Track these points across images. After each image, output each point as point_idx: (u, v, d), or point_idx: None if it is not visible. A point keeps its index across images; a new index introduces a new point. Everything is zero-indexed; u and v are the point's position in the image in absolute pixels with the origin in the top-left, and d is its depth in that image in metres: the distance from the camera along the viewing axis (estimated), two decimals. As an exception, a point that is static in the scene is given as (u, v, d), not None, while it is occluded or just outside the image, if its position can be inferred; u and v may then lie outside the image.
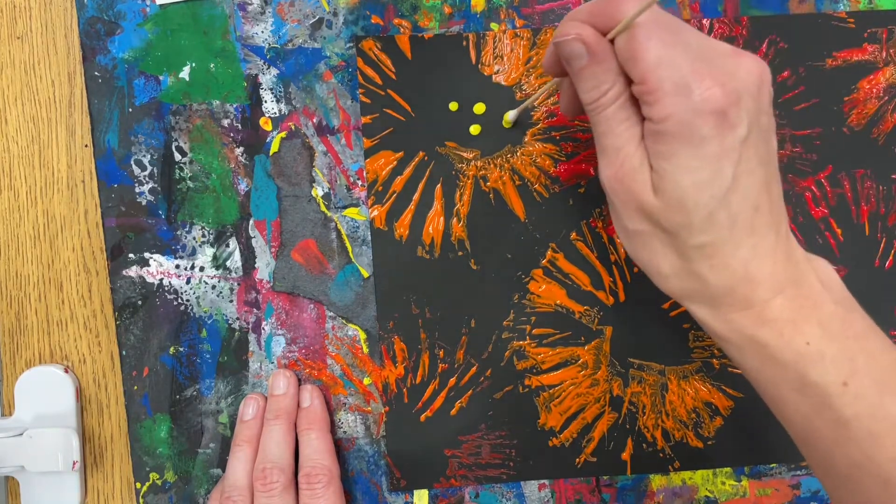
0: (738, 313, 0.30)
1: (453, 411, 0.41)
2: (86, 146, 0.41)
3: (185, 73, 0.40)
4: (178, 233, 0.41)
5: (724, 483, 0.42)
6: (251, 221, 0.41)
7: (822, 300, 0.30)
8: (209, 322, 0.41)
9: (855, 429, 0.28)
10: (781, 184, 0.31)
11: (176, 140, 0.40)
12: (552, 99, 0.41)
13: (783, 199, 0.31)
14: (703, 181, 0.28)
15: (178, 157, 0.40)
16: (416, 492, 0.41)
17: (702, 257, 0.30)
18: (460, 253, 0.41)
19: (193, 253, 0.41)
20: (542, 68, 0.33)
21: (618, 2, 0.29)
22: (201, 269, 0.41)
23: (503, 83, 0.41)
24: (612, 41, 0.29)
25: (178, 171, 0.40)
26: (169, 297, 0.41)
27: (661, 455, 0.42)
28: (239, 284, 0.41)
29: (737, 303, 0.30)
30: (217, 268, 0.41)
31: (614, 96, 0.30)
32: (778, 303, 0.29)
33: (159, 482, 0.41)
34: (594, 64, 0.30)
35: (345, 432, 0.41)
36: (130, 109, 0.40)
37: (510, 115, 0.40)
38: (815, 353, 0.29)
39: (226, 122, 0.40)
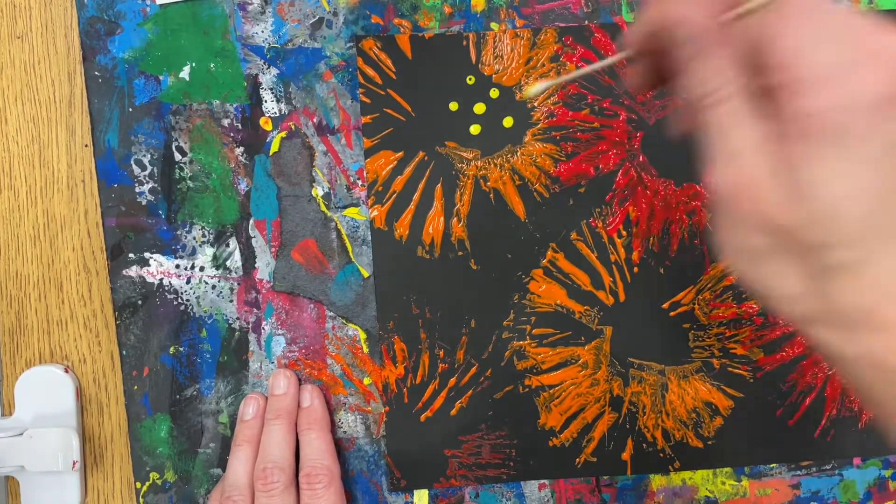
0: (874, 335, 0.26)
1: (453, 411, 0.41)
2: (86, 146, 0.41)
3: (185, 73, 0.40)
4: (178, 233, 0.41)
5: (724, 483, 0.42)
6: (251, 221, 0.41)
7: None
8: (209, 322, 0.41)
9: None
10: None
11: (176, 140, 0.40)
12: (552, 99, 0.41)
13: None
14: (859, 189, 0.24)
15: (178, 156, 0.40)
16: (416, 492, 0.41)
17: (842, 276, 0.25)
18: (460, 253, 0.41)
19: (193, 253, 0.41)
20: (624, 40, 0.28)
21: None
22: (201, 268, 0.41)
23: (499, 82, 0.41)
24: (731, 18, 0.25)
25: (178, 170, 0.40)
26: (169, 296, 0.41)
27: (662, 455, 0.42)
28: (239, 284, 0.41)
29: (874, 324, 0.26)
30: (217, 268, 0.41)
31: (735, 89, 0.25)
32: None
33: (159, 482, 0.41)
34: (713, 49, 0.25)
35: (345, 432, 0.41)
36: (130, 109, 0.40)
37: (534, 89, 0.33)
38: None
39: (226, 122, 0.40)
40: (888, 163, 0.24)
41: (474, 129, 0.41)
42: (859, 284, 0.25)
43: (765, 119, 0.25)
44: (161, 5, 0.40)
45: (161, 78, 0.40)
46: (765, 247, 0.26)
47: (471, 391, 0.41)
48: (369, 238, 0.41)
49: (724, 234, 0.27)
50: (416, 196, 0.41)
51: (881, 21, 0.24)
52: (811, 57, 0.23)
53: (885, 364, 0.26)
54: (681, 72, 0.26)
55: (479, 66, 0.40)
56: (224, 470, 0.41)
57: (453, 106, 0.41)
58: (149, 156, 0.40)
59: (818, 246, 0.25)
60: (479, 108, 0.41)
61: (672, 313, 0.41)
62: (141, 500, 0.41)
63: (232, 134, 0.40)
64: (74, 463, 0.39)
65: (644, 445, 0.41)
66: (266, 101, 0.40)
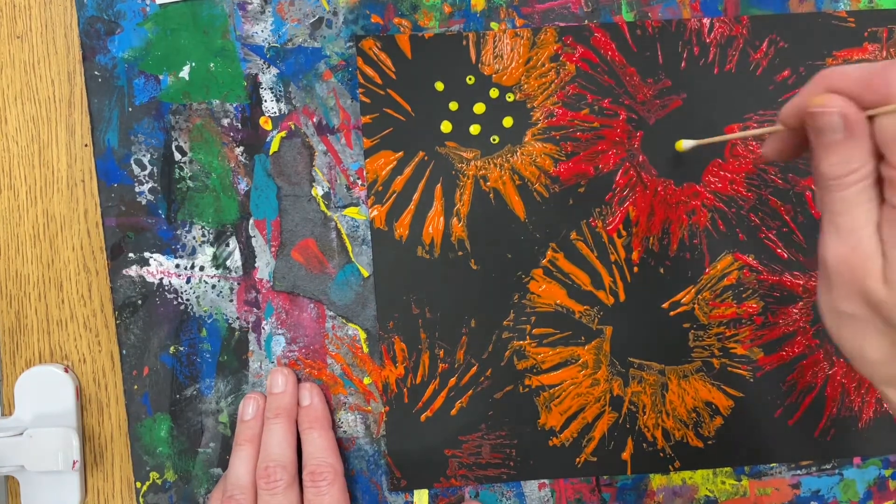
0: None
1: (453, 411, 0.41)
2: (85, 146, 0.41)
3: (184, 73, 0.40)
4: (178, 232, 0.41)
5: (724, 483, 0.42)
6: (251, 221, 0.41)
7: None
8: (209, 321, 0.41)
9: None
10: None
11: (176, 139, 0.40)
12: (552, 99, 0.41)
13: None
14: None
15: (178, 156, 0.40)
16: (416, 491, 0.41)
17: None
18: (460, 253, 0.41)
19: (193, 252, 0.41)
20: (779, 117, 0.31)
21: (891, 81, 0.26)
22: (201, 268, 0.41)
23: (496, 82, 0.41)
24: (869, 117, 0.27)
25: (178, 170, 0.40)
26: (169, 296, 0.41)
27: (662, 455, 0.42)
28: (239, 284, 0.41)
29: None
30: (217, 267, 0.41)
31: (861, 176, 0.28)
32: None
33: (159, 481, 0.41)
34: (849, 140, 0.27)
35: (345, 432, 0.41)
36: (130, 109, 0.40)
37: (686, 144, 0.40)
38: None
39: (226, 122, 0.40)
40: None
41: (474, 130, 0.41)
42: None
43: (880, 206, 0.28)
44: (161, 5, 0.40)
45: (161, 78, 0.40)
46: (858, 314, 0.29)
47: (471, 391, 0.41)
48: (369, 238, 0.41)
49: (823, 295, 0.30)
50: (416, 196, 0.41)
51: None
52: None
53: None
54: (816, 151, 0.29)
55: (479, 65, 0.40)
56: (224, 469, 0.41)
57: (453, 106, 0.41)
58: (149, 155, 0.40)
59: None
60: (479, 108, 0.41)
61: (672, 313, 0.41)
62: (141, 499, 0.41)
63: (232, 133, 0.40)
64: (74, 462, 0.39)
65: (644, 445, 0.41)
66: (266, 101, 0.40)
